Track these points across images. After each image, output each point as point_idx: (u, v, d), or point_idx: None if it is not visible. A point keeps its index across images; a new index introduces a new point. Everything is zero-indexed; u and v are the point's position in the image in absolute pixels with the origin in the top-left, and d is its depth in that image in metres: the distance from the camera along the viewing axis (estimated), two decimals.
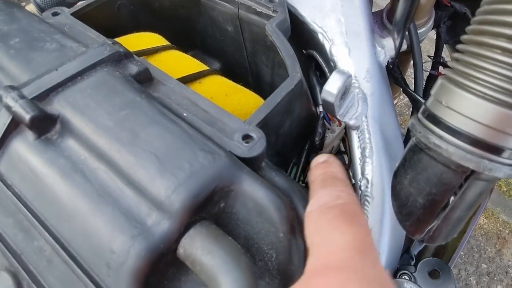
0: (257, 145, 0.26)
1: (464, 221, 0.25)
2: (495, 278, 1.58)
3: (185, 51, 0.45)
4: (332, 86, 0.32)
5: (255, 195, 0.23)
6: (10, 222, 0.24)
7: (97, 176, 0.23)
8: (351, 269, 0.17)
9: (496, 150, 0.21)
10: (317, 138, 0.43)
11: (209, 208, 0.23)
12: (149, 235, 0.20)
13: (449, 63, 0.23)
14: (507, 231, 1.73)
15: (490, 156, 0.21)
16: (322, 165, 0.27)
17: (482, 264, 1.62)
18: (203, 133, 0.26)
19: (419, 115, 0.25)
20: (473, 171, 0.22)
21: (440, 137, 0.22)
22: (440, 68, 0.62)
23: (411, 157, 0.25)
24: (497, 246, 1.69)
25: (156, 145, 0.23)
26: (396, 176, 0.26)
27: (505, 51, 0.19)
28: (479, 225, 1.73)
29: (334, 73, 0.32)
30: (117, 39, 0.39)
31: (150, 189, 0.22)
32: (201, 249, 0.20)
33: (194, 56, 0.44)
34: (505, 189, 1.83)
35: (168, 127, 0.25)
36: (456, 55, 0.23)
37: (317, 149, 0.44)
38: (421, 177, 0.24)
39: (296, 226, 0.24)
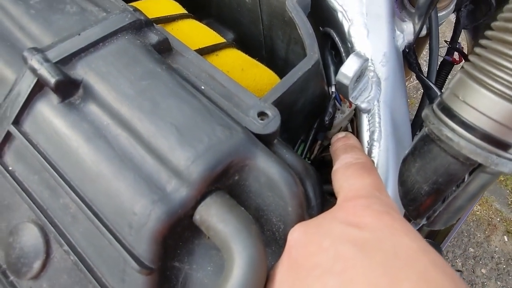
0: (272, 123, 0.27)
1: (465, 210, 0.26)
2: (481, 262, 1.65)
3: (200, 19, 0.44)
4: (348, 69, 0.32)
5: (268, 171, 0.24)
6: (36, 179, 0.26)
7: (119, 142, 0.24)
8: (374, 197, 0.23)
9: (505, 146, 0.22)
10: (326, 118, 0.43)
11: (224, 180, 0.24)
12: (169, 201, 0.22)
13: (470, 58, 0.24)
14: (498, 219, 1.77)
15: (498, 151, 0.22)
16: (343, 139, 0.33)
17: (470, 248, 1.68)
18: (220, 107, 0.27)
19: (434, 106, 0.25)
20: (480, 165, 0.23)
21: (453, 130, 0.23)
22: (455, 54, 0.61)
23: (422, 147, 0.26)
24: (486, 232, 1.74)
25: (176, 116, 0.24)
26: (405, 163, 0.27)
27: None
28: (471, 211, 1.77)
29: (351, 56, 0.32)
30: (133, 4, 0.38)
31: (170, 158, 0.23)
32: (216, 216, 0.22)
33: (208, 25, 0.43)
34: (502, 178, 1.85)
35: (187, 100, 0.25)
36: (478, 50, 0.23)
37: (326, 129, 0.45)
38: (429, 166, 0.25)
39: (303, 201, 0.25)
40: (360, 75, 0.34)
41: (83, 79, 0.26)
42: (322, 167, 0.53)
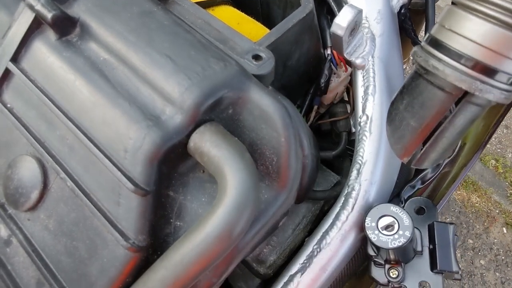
0: (266, 64, 0.28)
1: (451, 148, 0.27)
2: (479, 253, 1.65)
3: None
4: (342, 19, 0.32)
5: (262, 103, 0.24)
6: (34, 114, 0.26)
7: (115, 75, 0.25)
8: None
9: (490, 72, 0.22)
10: (322, 80, 0.44)
11: (219, 112, 0.25)
12: (164, 127, 0.22)
13: None
14: (497, 211, 1.77)
15: (483, 77, 0.22)
16: None
17: (469, 240, 1.69)
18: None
19: (423, 42, 0.26)
20: (465, 94, 0.23)
21: (439, 59, 0.23)
22: None
23: (410, 84, 0.26)
24: (485, 224, 1.75)
25: (171, 49, 0.25)
26: (393, 103, 0.28)
27: None
28: (470, 203, 1.78)
29: (345, 7, 0.33)
30: None
31: (164, 88, 0.24)
32: (209, 142, 0.23)
33: None
34: (501, 171, 1.86)
35: (182, 35, 0.26)
36: None
37: (322, 92, 0.46)
38: (416, 101, 0.25)
39: (297, 135, 0.25)
40: (354, 29, 0.35)
41: (80, 17, 0.27)
42: (318, 135, 0.53)
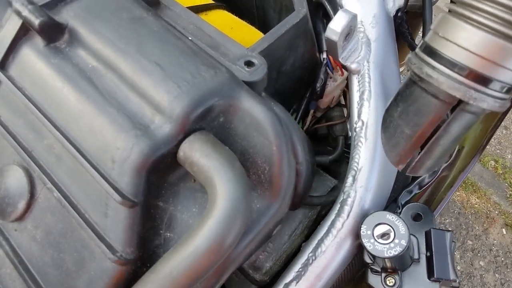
0: (259, 71, 0.27)
1: (446, 155, 0.26)
2: (479, 254, 1.65)
3: None
4: (336, 24, 0.32)
5: (253, 110, 0.24)
6: (21, 123, 0.26)
7: (104, 82, 0.24)
8: None
9: (484, 80, 0.22)
10: (318, 85, 0.44)
11: (209, 121, 0.24)
12: (152, 136, 0.22)
13: None
14: (496, 212, 1.77)
15: (477, 86, 0.22)
16: None
17: (468, 241, 1.68)
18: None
19: (417, 49, 0.25)
20: (459, 102, 0.23)
21: (433, 67, 0.23)
22: None
23: (404, 91, 0.26)
24: (485, 225, 1.74)
25: (161, 57, 0.24)
26: (388, 110, 0.27)
27: None
28: (470, 204, 1.77)
29: (339, 12, 0.32)
30: None
31: (153, 96, 0.23)
32: (199, 151, 0.22)
33: None
34: (500, 172, 1.85)
35: (172, 42, 0.25)
36: None
37: (318, 96, 0.45)
38: (410, 109, 0.25)
39: (289, 143, 0.25)
40: (349, 33, 0.34)
41: (69, 24, 0.26)
42: (315, 140, 0.53)
